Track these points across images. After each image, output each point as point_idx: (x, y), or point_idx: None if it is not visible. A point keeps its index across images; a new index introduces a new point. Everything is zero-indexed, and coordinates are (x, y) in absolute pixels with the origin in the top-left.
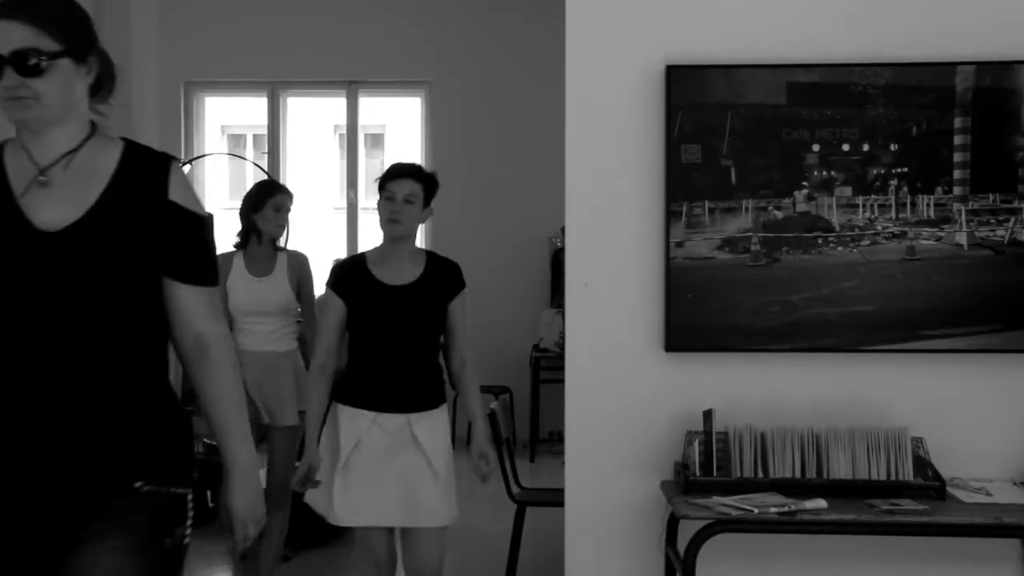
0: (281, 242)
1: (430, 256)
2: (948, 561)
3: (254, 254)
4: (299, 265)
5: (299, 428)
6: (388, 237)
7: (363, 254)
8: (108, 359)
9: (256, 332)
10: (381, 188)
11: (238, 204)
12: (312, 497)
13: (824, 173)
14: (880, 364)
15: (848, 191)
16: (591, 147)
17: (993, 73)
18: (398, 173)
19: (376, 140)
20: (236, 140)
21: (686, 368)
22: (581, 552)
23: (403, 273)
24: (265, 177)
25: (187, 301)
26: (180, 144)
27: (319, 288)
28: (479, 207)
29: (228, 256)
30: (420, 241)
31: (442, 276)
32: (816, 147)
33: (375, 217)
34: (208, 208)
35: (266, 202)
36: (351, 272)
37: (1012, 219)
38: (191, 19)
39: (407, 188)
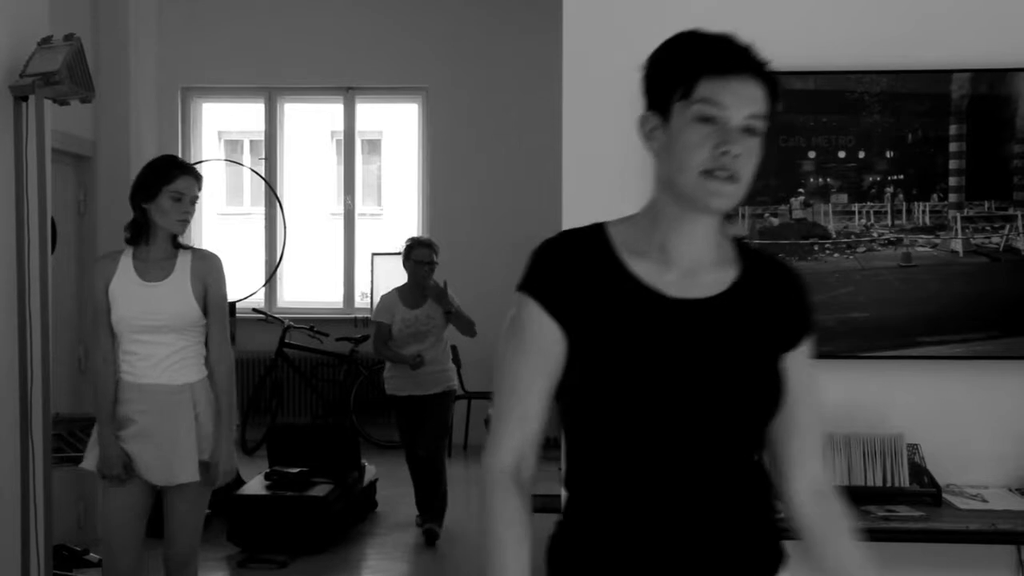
0: (187, 240)
1: (742, 247)
2: (943, 568)
3: (147, 253)
4: (208, 268)
5: (203, 485)
6: (701, 205)
7: (600, 226)
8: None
9: (148, 357)
10: (677, 92)
11: (236, 211)
12: None
13: (820, 180)
14: (876, 371)
15: (844, 198)
16: (588, 153)
17: (989, 80)
18: (737, 62)
19: (373, 146)
20: (233, 146)
21: None
22: None
23: (700, 274)
24: (265, 183)
25: None
26: (177, 150)
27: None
28: (476, 212)
29: (112, 256)
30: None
31: (774, 287)
32: (812, 154)
33: (373, 223)
34: (205, 214)
35: (161, 189)
36: (584, 262)
37: (1007, 226)
38: (188, 25)
39: (755, 101)
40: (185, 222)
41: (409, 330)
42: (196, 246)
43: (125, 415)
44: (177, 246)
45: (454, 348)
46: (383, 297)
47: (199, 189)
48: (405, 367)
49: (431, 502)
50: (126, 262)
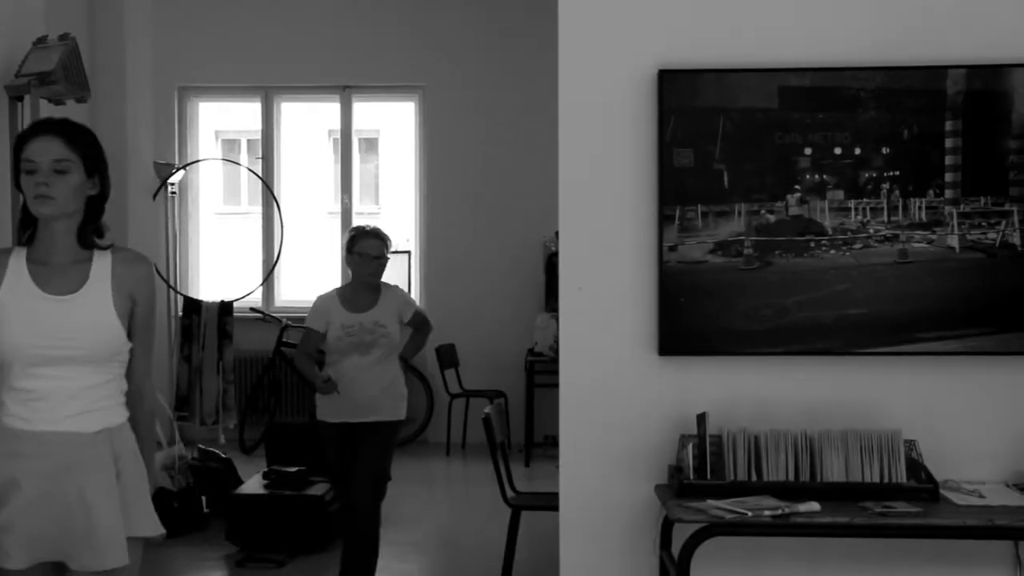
0: (185, 239)
1: None
2: (941, 563)
3: (46, 255)
4: (136, 275)
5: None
6: None
7: None
8: None
9: (49, 396)
10: None
11: (233, 210)
12: None
13: (816, 176)
14: (873, 367)
15: (840, 194)
16: (584, 151)
17: (984, 76)
18: None
19: (370, 145)
20: (230, 145)
21: (680, 372)
22: (576, 556)
23: None
24: (262, 183)
25: None
26: (174, 150)
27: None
28: (473, 211)
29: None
30: (414, 248)
31: None
32: (808, 151)
33: (371, 221)
34: (202, 214)
35: (20, 161)
36: None
37: (1003, 222)
38: (184, 25)
39: None
40: (45, 199)
41: (351, 339)
42: (117, 244)
43: (11, 476)
44: (88, 244)
45: (451, 347)
46: (319, 298)
47: (74, 150)
48: (341, 385)
49: (356, 569)
50: (18, 265)
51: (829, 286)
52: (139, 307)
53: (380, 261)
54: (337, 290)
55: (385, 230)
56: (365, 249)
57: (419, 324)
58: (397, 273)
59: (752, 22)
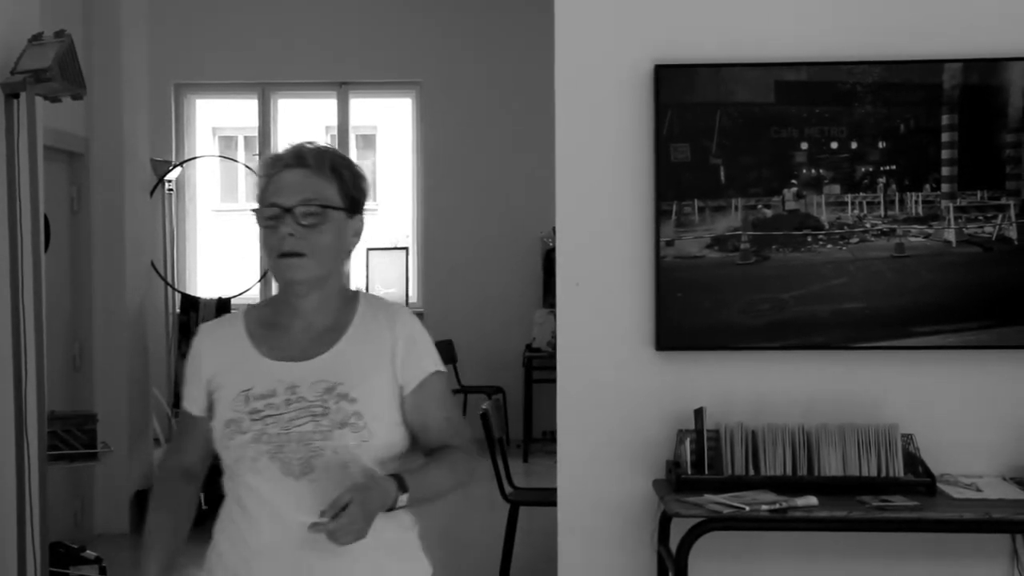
0: (181, 237)
1: None
2: (938, 557)
3: None
4: None
5: None
6: None
7: None
8: None
9: None
10: None
11: (230, 207)
12: None
13: (813, 171)
14: (870, 361)
15: (837, 189)
16: (581, 147)
17: (980, 70)
18: None
19: (367, 141)
20: (227, 142)
21: (677, 367)
22: (574, 551)
23: None
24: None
25: None
26: (171, 146)
27: None
28: (471, 207)
29: None
30: (412, 245)
31: None
32: (804, 145)
33: (368, 217)
34: (199, 211)
35: None
36: None
37: (1000, 216)
38: (180, 21)
39: None
40: None
41: (258, 427)
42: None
43: None
44: None
45: (449, 343)
46: (201, 331)
47: None
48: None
49: None
50: None
51: (826, 280)
52: None
53: (301, 217)
54: (247, 310)
55: (337, 148)
56: (272, 196)
57: (441, 432)
58: (394, 271)
59: (748, 16)
